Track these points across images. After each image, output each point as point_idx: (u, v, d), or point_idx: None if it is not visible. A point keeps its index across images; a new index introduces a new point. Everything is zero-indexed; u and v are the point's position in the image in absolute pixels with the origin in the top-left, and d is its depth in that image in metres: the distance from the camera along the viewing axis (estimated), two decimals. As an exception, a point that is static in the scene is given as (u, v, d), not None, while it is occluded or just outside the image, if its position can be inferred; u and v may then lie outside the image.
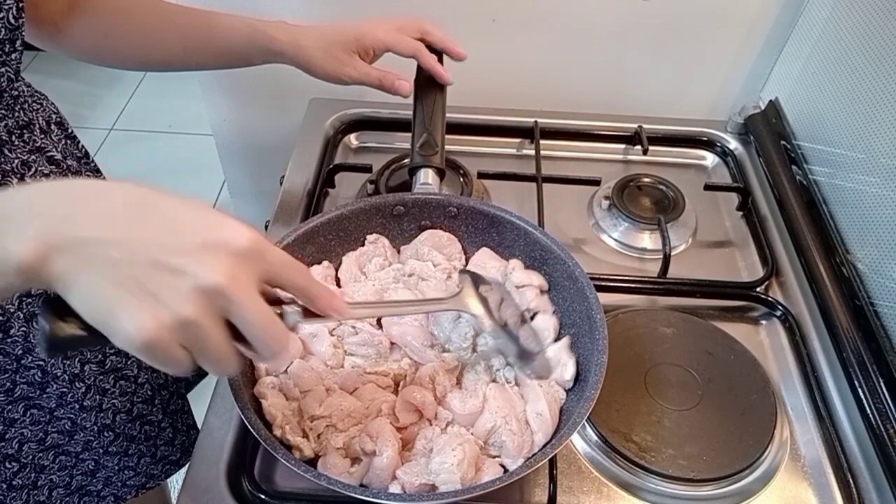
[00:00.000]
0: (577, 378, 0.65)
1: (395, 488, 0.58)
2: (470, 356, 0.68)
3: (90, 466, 0.78)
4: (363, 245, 0.76)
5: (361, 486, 0.59)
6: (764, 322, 0.82)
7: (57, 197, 0.40)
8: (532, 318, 0.70)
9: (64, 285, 0.38)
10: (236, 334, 0.42)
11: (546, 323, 0.69)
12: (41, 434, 0.72)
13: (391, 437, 0.60)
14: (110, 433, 0.76)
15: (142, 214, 0.40)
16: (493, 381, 0.66)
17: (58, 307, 0.39)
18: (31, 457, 0.72)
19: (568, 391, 0.65)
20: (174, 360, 0.40)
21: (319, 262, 0.74)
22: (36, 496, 0.75)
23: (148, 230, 0.40)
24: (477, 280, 0.66)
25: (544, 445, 0.60)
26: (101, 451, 0.77)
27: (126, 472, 0.81)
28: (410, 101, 0.81)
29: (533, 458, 0.57)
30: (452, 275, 0.74)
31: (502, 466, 0.61)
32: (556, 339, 0.68)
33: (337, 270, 0.75)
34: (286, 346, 0.44)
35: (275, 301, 0.47)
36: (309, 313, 0.47)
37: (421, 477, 0.58)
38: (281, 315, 0.46)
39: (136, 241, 0.39)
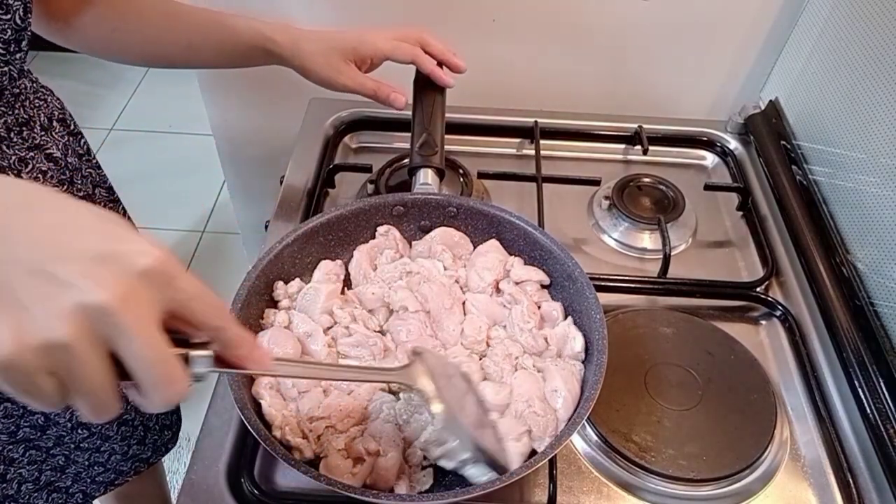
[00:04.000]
0: (587, 351, 0.66)
1: (400, 489, 0.58)
2: (485, 349, 0.69)
3: (60, 462, 0.78)
4: (374, 238, 0.76)
5: (365, 486, 0.59)
6: (764, 322, 0.82)
7: None
8: (538, 307, 0.71)
9: None
10: (123, 372, 0.35)
11: (552, 306, 0.70)
12: (13, 427, 0.71)
13: (395, 438, 0.60)
14: (84, 431, 0.75)
15: (30, 213, 0.34)
16: (516, 368, 0.66)
17: None
18: (0, 448, 0.72)
19: (584, 362, 0.66)
20: (37, 391, 0.33)
21: (333, 259, 0.74)
22: (4, 489, 0.74)
23: (35, 231, 0.34)
24: (432, 362, 0.55)
25: (568, 421, 0.61)
26: (72, 446, 0.76)
27: (96, 468, 0.81)
28: (410, 100, 0.81)
29: (532, 458, 0.57)
30: (459, 281, 0.73)
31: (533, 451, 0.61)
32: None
33: (347, 265, 0.75)
34: (178, 396, 0.36)
35: (183, 343, 0.39)
36: (222, 362, 0.40)
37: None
38: (186, 359, 0.38)
39: (16, 240, 0.33)
